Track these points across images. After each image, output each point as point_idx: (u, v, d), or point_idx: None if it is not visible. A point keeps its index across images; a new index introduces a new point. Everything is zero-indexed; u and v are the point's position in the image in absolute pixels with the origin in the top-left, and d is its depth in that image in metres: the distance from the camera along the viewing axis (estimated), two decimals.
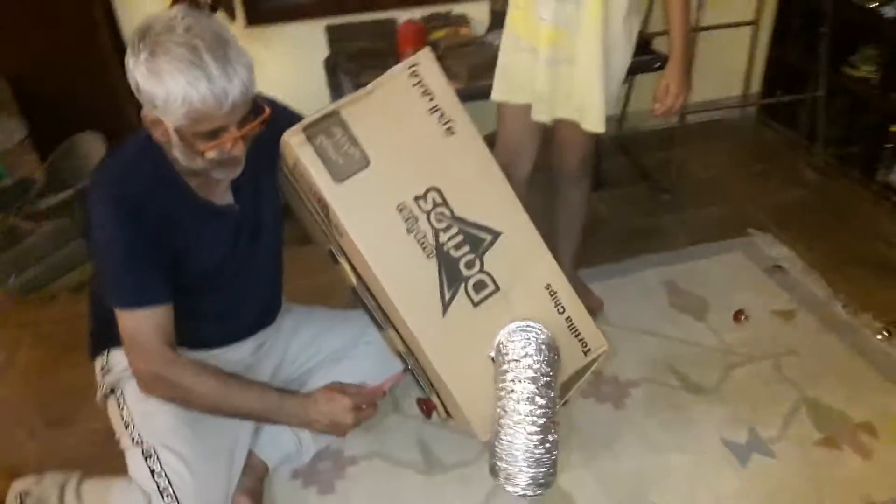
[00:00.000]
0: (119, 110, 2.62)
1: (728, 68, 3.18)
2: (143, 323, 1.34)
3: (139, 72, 1.19)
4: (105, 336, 1.57)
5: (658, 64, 2.52)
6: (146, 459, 1.42)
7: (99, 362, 1.59)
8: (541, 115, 1.80)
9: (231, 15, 2.45)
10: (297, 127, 1.32)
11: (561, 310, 1.48)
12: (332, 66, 2.63)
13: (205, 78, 1.17)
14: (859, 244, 2.41)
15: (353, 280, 1.51)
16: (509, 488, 1.32)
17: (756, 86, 3.25)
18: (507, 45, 1.83)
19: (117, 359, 1.54)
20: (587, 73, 1.71)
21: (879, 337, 1.97)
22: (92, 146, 2.51)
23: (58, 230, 2.29)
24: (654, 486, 1.60)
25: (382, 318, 1.53)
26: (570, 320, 1.49)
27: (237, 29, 2.47)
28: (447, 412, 1.58)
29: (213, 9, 2.40)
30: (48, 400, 1.97)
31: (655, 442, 1.70)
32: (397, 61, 2.55)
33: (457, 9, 2.81)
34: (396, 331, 1.52)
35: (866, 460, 1.63)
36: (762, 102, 3.19)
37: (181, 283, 1.39)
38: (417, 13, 2.79)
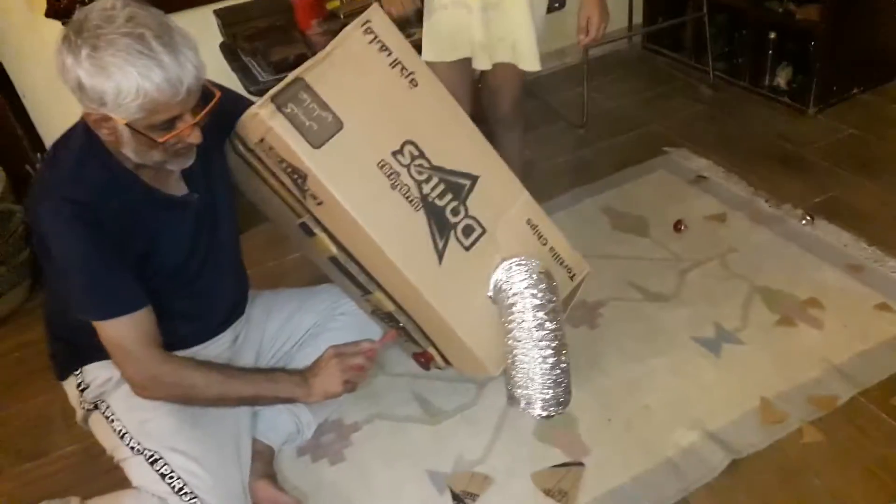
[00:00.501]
0: (6, 129, 2.44)
1: (611, 2, 3.30)
2: (127, 330, 1.29)
3: (82, 69, 1.10)
4: (72, 355, 1.50)
5: (558, 4, 2.60)
6: (152, 465, 1.38)
7: (72, 382, 1.51)
8: (482, 63, 1.83)
9: None
10: (264, 99, 1.28)
11: (544, 241, 1.53)
12: (231, 50, 2.53)
13: (157, 66, 1.11)
14: (762, 144, 2.61)
15: (334, 249, 1.50)
16: (531, 411, 1.38)
17: (638, 17, 3.41)
18: (430, 5, 1.85)
19: (93, 373, 1.47)
20: (515, 13, 1.76)
21: (803, 223, 2.15)
22: None
23: None
24: (644, 390, 1.70)
25: (367, 281, 1.53)
26: (553, 250, 1.55)
27: None
28: (445, 360, 1.61)
29: None
30: (8, 437, 1.85)
31: (634, 352, 1.80)
32: (302, 35, 2.52)
33: None
34: (384, 291, 1.52)
35: (820, 330, 1.80)
36: (647, 31, 3.35)
37: (150, 284, 1.34)
38: None
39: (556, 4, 2.59)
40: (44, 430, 1.85)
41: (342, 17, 2.57)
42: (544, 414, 1.39)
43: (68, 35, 1.12)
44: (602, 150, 2.72)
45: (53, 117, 2.56)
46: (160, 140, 1.19)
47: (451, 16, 1.81)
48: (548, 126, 2.89)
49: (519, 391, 1.38)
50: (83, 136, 1.26)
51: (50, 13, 2.20)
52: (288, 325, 1.73)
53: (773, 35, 2.77)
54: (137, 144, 1.21)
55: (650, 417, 1.63)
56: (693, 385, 1.69)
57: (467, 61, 1.88)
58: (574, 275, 1.59)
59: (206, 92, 1.23)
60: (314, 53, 2.38)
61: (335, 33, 2.42)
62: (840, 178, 2.36)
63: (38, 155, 2.43)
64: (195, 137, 1.23)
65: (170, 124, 1.19)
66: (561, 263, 1.56)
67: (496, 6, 1.76)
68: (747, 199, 2.30)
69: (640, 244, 2.18)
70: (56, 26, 2.27)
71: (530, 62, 1.80)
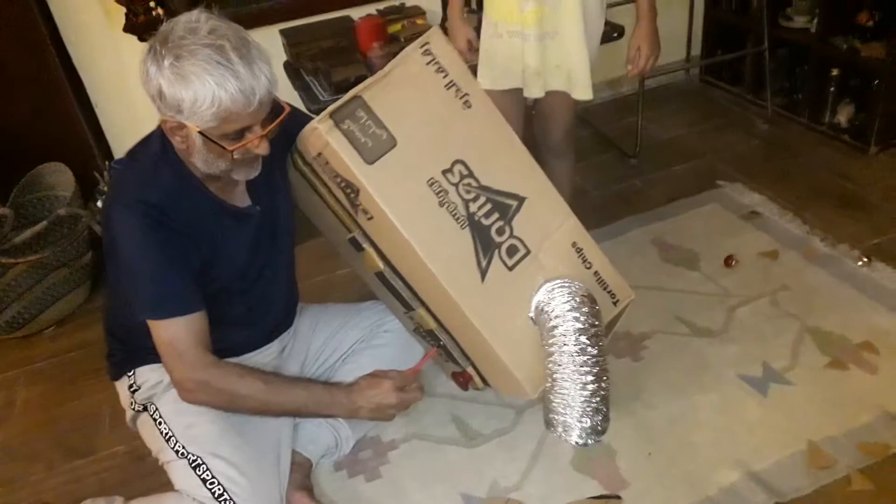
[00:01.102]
0: (78, 137, 2.56)
1: (669, 34, 3.30)
2: (182, 331, 1.33)
3: (164, 78, 1.17)
4: (127, 356, 1.56)
5: (616, 34, 2.61)
6: (195, 469, 1.41)
7: (125, 383, 1.56)
8: (534, 92, 1.86)
9: None
10: (323, 114, 1.33)
11: (588, 265, 1.53)
12: (294, 70, 2.61)
13: (233, 77, 1.17)
14: (819, 182, 2.56)
15: (381, 265, 1.53)
16: (568, 439, 1.37)
17: (696, 48, 3.39)
18: (486, 32, 1.89)
19: (145, 376, 1.53)
20: (572, 42, 1.78)
21: (860, 264, 2.10)
22: (57, 177, 2.43)
23: (36, 264, 2.21)
24: (687, 426, 1.67)
25: (411, 298, 1.55)
26: (598, 274, 1.55)
27: None
28: (484, 381, 1.62)
29: None
30: (60, 434, 1.92)
31: (679, 387, 1.78)
32: (363, 57, 2.59)
33: (409, 1, 2.84)
34: (427, 308, 1.55)
35: (873, 375, 1.75)
36: (705, 63, 3.33)
37: (208, 290, 1.39)
38: (370, 9, 2.81)
39: (615, 35, 2.61)
40: (94, 428, 1.91)
41: (403, 40, 2.64)
42: (581, 442, 1.38)
43: (154, 45, 1.19)
44: (654, 181, 2.70)
45: (124, 128, 2.68)
46: (230, 149, 1.24)
47: (506, 45, 1.84)
48: (600, 155, 2.89)
49: (556, 416, 1.38)
50: (159, 143, 1.33)
51: (128, 28, 2.31)
52: (333, 340, 1.76)
53: (835, 72, 2.73)
54: (208, 152, 1.26)
55: (692, 454, 1.60)
56: (738, 424, 1.66)
57: (520, 90, 1.90)
58: (618, 300, 1.58)
59: (275, 106, 1.29)
60: (373, 75, 2.45)
61: (394, 55, 2.49)
62: None
63: (107, 163, 2.55)
64: (263, 149, 1.28)
65: (240, 134, 1.24)
66: (605, 288, 1.56)
67: (553, 35, 1.78)
68: (801, 237, 2.26)
69: (689, 277, 2.15)
70: (132, 41, 2.39)
71: (583, 91, 1.82)
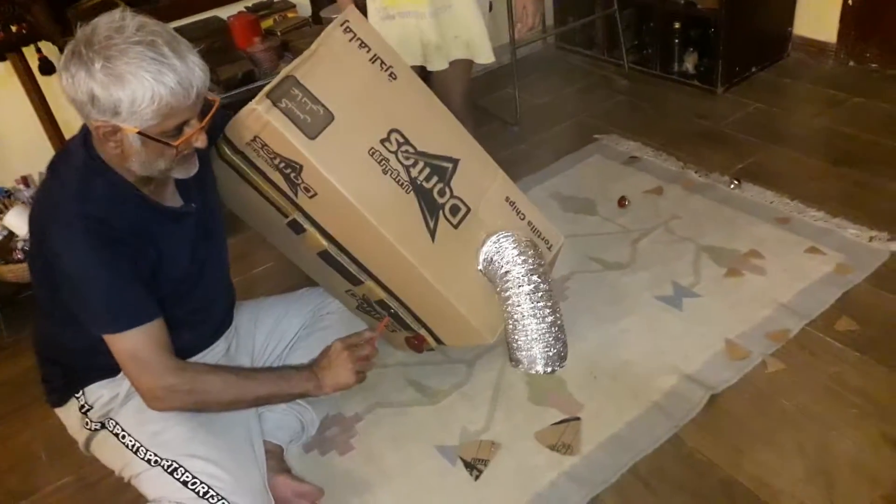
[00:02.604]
0: None
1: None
2: (143, 341, 1.31)
3: (95, 81, 1.13)
4: (69, 378, 1.50)
5: (490, 7, 2.75)
6: (171, 474, 1.39)
7: (73, 406, 1.49)
8: (437, 65, 1.95)
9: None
10: (259, 95, 1.35)
11: (522, 217, 1.65)
12: None
13: (170, 71, 1.15)
14: (681, 124, 2.84)
15: (324, 243, 1.56)
16: (535, 370, 1.48)
17: (549, 18, 3.62)
18: (376, 16, 1.95)
19: (96, 393, 1.47)
20: (466, 11, 1.89)
21: (731, 187, 2.37)
22: None
23: None
24: (621, 347, 1.84)
25: (358, 271, 1.59)
26: (531, 224, 1.67)
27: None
28: (437, 340, 1.70)
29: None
30: None
31: (605, 316, 1.94)
32: (245, 53, 2.57)
33: None
34: (375, 279, 1.60)
35: (763, 276, 2.00)
36: (559, 31, 3.56)
37: (157, 295, 1.36)
38: (236, 7, 2.78)
39: (490, 8, 2.76)
40: (30, 466, 1.81)
41: (279, 33, 2.64)
42: (549, 370, 1.49)
43: (77, 49, 1.14)
44: (538, 142, 2.88)
45: None
46: (174, 144, 1.22)
47: (399, 25, 1.91)
48: (483, 126, 3.02)
49: (521, 353, 1.48)
50: (83, 152, 1.28)
51: None
52: (277, 330, 1.77)
53: (677, 25, 3.03)
54: (147, 154, 1.23)
55: (631, 369, 1.77)
56: (663, 337, 1.85)
57: (419, 67, 1.98)
58: (551, 245, 1.71)
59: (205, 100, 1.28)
60: (261, 69, 2.45)
61: (276, 49, 2.50)
62: (755, 146, 2.61)
63: None
64: (202, 142, 1.27)
65: (179, 130, 1.22)
66: (539, 236, 1.68)
67: (446, 9, 1.88)
68: (678, 172, 2.51)
69: (590, 222, 2.34)
70: None
71: (485, 56, 1.93)
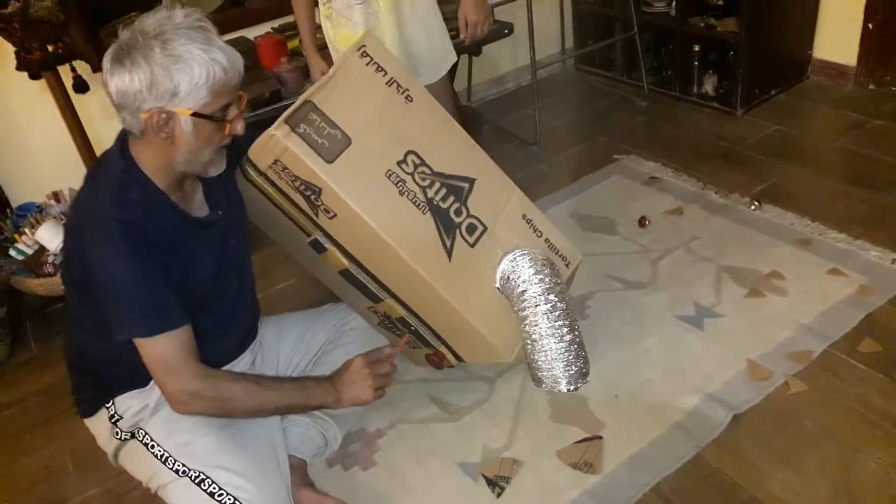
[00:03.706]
0: None
1: (544, 30, 3.55)
2: (172, 346, 1.34)
3: (156, 65, 1.20)
4: (100, 389, 1.53)
5: (506, 31, 2.80)
6: (199, 485, 1.41)
7: (103, 415, 1.52)
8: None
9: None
10: (278, 122, 1.40)
11: (539, 234, 1.67)
12: None
13: (220, 51, 1.24)
14: (701, 145, 2.86)
15: (345, 262, 1.59)
16: (559, 389, 1.49)
17: (569, 41, 3.66)
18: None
19: (126, 404, 1.50)
20: (417, 36, 1.98)
21: (752, 208, 2.38)
22: None
23: None
24: (642, 366, 1.84)
25: (378, 289, 1.62)
26: (549, 241, 1.69)
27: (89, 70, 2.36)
28: (457, 357, 1.71)
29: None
30: (21, 490, 1.83)
31: (626, 335, 1.95)
32: (272, 73, 2.62)
33: None
34: (395, 297, 1.62)
35: (785, 297, 2.00)
36: (579, 53, 3.60)
37: (184, 303, 1.39)
38: (264, 28, 2.84)
39: (506, 31, 2.80)
40: (58, 478, 1.84)
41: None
42: (572, 388, 1.50)
43: (131, 41, 1.21)
44: (557, 162, 2.91)
45: (17, 173, 2.56)
46: (227, 120, 1.29)
47: None
48: (502, 146, 3.07)
49: (543, 373, 1.49)
50: (121, 160, 1.33)
51: (21, 66, 2.22)
52: (301, 344, 1.79)
53: (697, 48, 3.06)
54: (198, 140, 1.29)
55: (653, 389, 1.77)
56: (685, 357, 1.85)
57: None
58: (569, 262, 1.73)
59: None
60: (287, 88, 2.50)
61: (302, 69, 2.54)
62: (775, 167, 2.62)
63: (7, 210, 2.43)
64: (241, 128, 1.34)
65: (225, 111, 1.30)
66: (556, 253, 1.70)
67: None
68: (698, 192, 2.52)
69: (610, 241, 2.35)
70: (20, 81, 2.30)
71: (439, 70, 2.04)
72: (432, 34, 2.03)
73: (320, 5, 2.00)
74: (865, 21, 2.90)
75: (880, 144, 2.65)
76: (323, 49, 2.11)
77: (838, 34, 3.03)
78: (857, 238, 2.16)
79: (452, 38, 2.10)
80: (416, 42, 1.99)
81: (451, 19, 2.12)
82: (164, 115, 1.24)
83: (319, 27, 2.09)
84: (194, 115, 1.25)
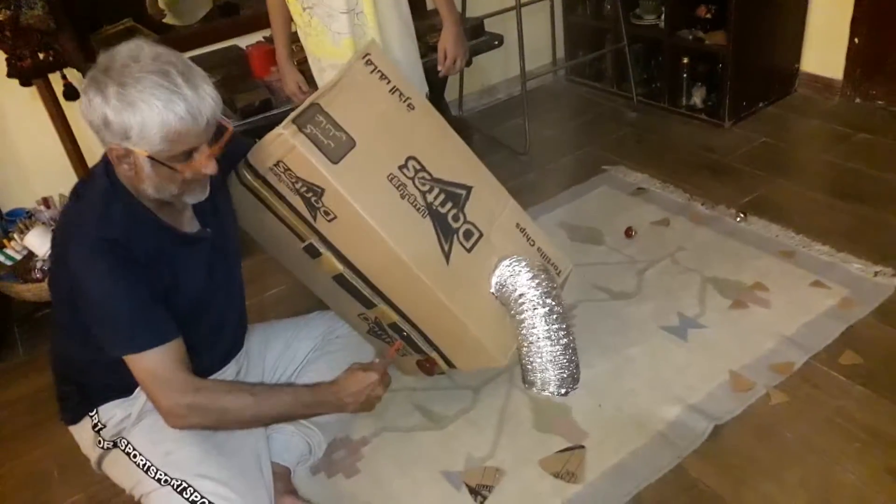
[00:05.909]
0: None
1: (535, 42, 3.58)
2: (163, 360, 1.33)
3: (109, 106, 1.19)
4: (84, 397, 1.53)
5: (496, 42, 2.83)
6: (181, 493, 1.41)
7: (86, 424, 1.52)
8: None
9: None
10: (286, 121, 1.40)
11: (532, 242, 1.69)
12: None
13: (180, 99, 1.19)
14: (688, 156, 2.88)
15: (340, 267, 1.60)
16: (548, 392, 1.51)
17: (560, 52, 3.69)
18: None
19: (109, 412, 1.50)
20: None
21: (738, 220, 2.41)
22: None
23: None
24: (626, 376, 1.86)
25: (372, 294, 1.63)
26: (541, 250, 1.71)
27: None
28: (448, 363, 1.72)
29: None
30: (8, 493, 1.83)
31: (610, 345, 1.97)
32: (263, 82, 2.63)
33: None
34: (389, 303, 1.63)
35: (768, 309, 2.02)
36: (570, 64, 3.63)
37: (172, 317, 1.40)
38: (255, 37, 2.86)
39: (496, 42, 2.82)
40: (42, 484, 1.83)
41: (295, 63, 2.70)
42: (563, 391, 1.52)
43: (95, 76, 1.21)
44: (547, 172, 2.93)
45: (8, 180, 2.56)
46: (180, 170, 1.27)
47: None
48: (492, 155, 3.08)
49: (535, 375, 1.51)
50: (104, 179, 1.33)
51: (12, 73, 2.23)
52: (287, 353, 1.80)
53: (685, 60, 3.08)
54: (158, 177, 1.28)
55: (636, 399, 1.79)
56: (668, 367, 1.87)
57: None
58: (560, 271, 1.75)
59: (219, 127, 1.33)
60: (278, 97, 2.51)
61: None
62: (761, 179, 2.64)
63: None
64: (211, 168, 1.31)
65: (188, 156, 1.27)
66: (548, 261, 1.72)
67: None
68: (685, 204, 2.54)
69: (597, 251, 2.37)
70: (11, 88, 2.31)
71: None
72: (409, 55, 2.04)
73: (297, 15, 1.99)
74: (852, 36, 2.94)
75: (865, 158, 2.68)
76: (302, 63, 2.11)
77: (825, 48, 3.06)
78: (841, 251, 2.18)
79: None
80: (396, 61, 2.00)
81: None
82: (122, 151, 1.24)
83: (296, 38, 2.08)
84: (150, 157, 1.24)
